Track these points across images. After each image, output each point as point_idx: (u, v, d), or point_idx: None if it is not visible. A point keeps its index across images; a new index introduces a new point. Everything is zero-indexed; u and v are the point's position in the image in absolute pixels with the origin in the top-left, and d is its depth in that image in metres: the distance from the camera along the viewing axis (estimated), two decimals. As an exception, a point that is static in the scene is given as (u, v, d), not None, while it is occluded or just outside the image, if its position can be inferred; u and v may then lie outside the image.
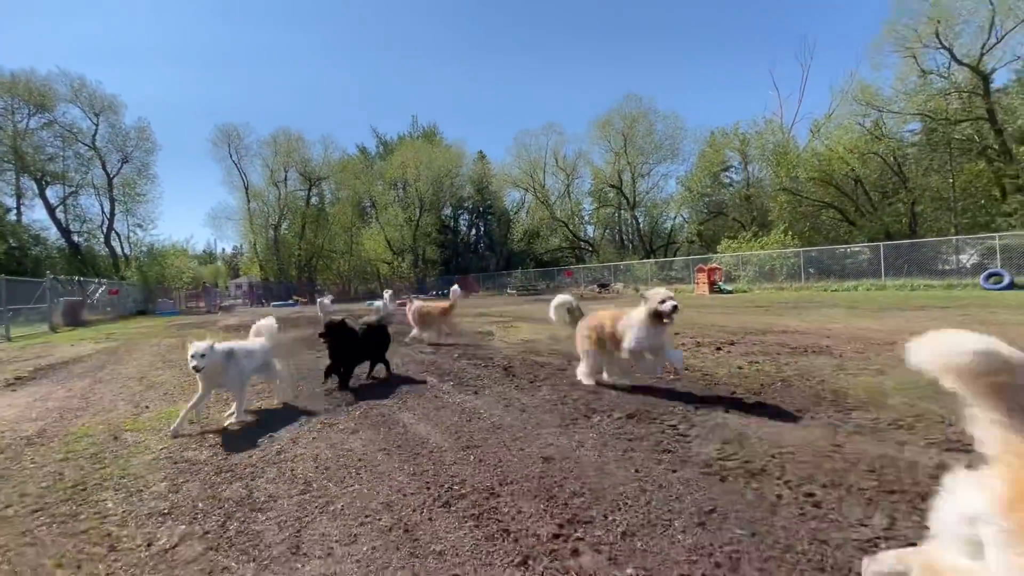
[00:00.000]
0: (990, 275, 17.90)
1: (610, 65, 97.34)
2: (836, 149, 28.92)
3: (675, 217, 44.87)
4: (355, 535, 2.07)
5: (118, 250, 43.35)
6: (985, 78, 24.73)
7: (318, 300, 13.34)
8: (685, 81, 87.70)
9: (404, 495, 2.44)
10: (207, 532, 2.18)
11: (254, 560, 1.93)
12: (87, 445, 3.56)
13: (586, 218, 54.71)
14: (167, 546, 2.08)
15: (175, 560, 1.96)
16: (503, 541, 1.95)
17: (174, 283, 41.89)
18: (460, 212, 64.13)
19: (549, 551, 1.86)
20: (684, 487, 2.34)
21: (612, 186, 44.91)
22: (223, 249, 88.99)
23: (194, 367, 3.48)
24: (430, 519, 2.18)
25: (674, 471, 2.53)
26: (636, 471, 2.55)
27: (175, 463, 3.09)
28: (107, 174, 41.31)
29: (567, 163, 50.04)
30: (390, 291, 14.26)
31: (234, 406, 3.95)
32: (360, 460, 2.99)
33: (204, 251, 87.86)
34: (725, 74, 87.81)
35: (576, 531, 2.00)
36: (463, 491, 2.44)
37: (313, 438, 3.49)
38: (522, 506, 2.24)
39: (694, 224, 40.98)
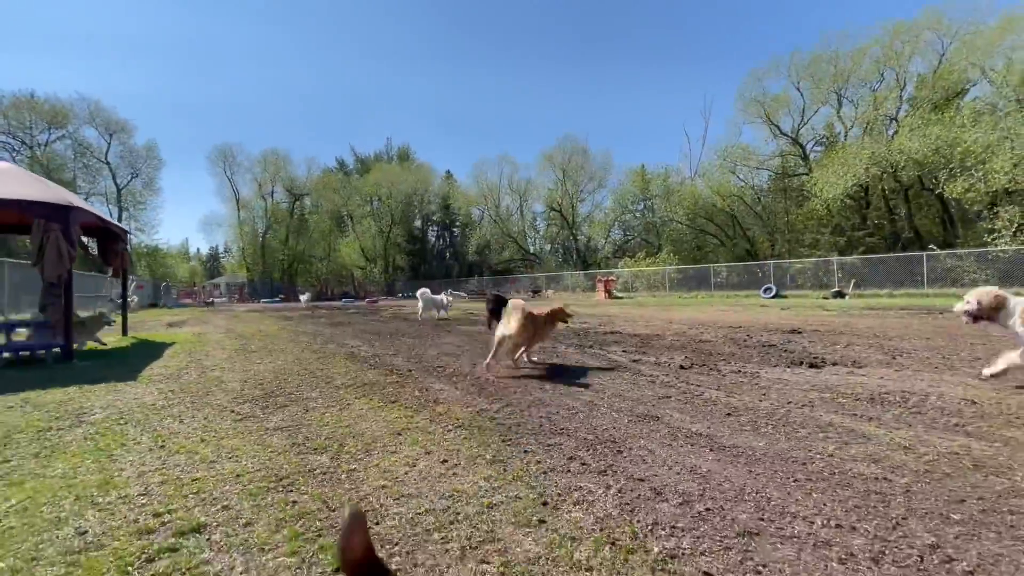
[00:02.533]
0: (766, 288, 27.22)
1: (569, 100, 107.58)
2: (707, 190, 38.52)
3: (607, 237, 54.08)
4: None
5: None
6: (802, 146, 34.64)
7: (419, 292, 15.48)
8: (627, 122, 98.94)
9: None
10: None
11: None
12: (272, 334, 11.71)
13: (541, 233, 63.65)
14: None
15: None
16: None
17: (172, 281, 48.62)
18: (428, 224, 72.33)
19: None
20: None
21: (554, 209, 53.91)
22: (198, 249, 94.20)
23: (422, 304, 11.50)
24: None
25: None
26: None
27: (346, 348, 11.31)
28: (117, 186, 47.89)
29: (519, 186, 58.98)
30: (450, 289, 19.00)
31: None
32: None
33: (179, 250, 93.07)
34: (659, 119, 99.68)
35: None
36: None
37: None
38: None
39: (610, 244, 50.28)
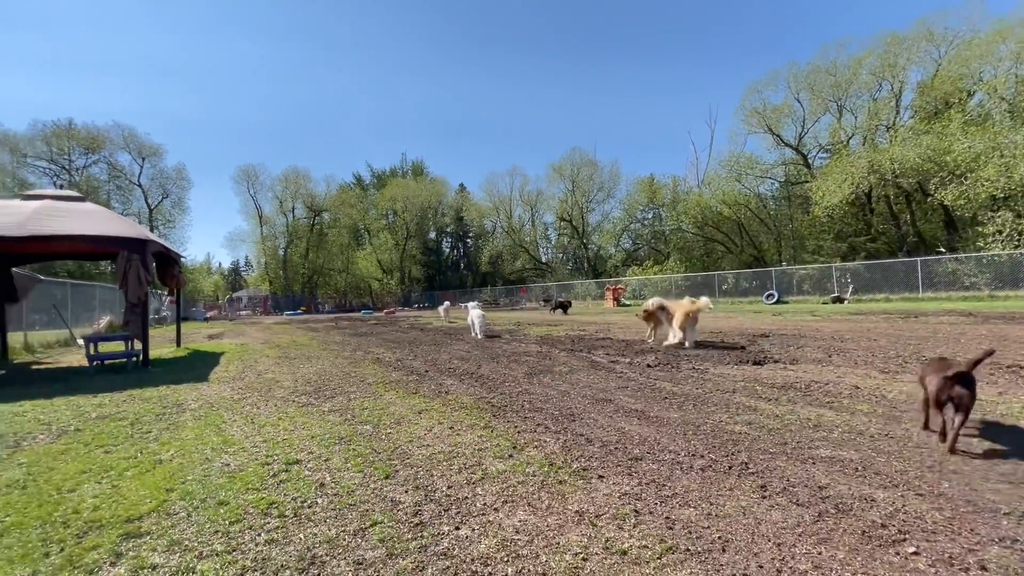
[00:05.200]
0: (768, 294, 28.00)
1: (578, 112, 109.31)
2: (712, 200, 39.44)
3: (616, 246, 55.07)
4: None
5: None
6: (804, 155, 35.41)
7: (441, 305, 20.81)
8: (635, 132, 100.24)
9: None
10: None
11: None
12: (305, 344, 13.10)
13: (552, 243, 65.02)
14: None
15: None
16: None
17: (200, 296, 50.95)
18: (443, 236, 74.25)
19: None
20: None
21: (564, 219, 55.18)
22: (219, 263, 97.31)
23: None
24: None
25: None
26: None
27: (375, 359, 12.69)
28: (148, 206, 50.53)
29: (530, 198, 60.47)
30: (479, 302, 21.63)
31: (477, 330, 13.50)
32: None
33: (202, 265, 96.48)
34: (667, 128, 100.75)
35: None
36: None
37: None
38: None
39: (620, 252, 51.28)
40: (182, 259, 12.79)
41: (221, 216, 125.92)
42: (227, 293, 58.16)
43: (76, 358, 10.12)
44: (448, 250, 76.45)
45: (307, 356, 9.47)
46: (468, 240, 73.74)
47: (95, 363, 8.13)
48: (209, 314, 46.10)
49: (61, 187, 48.91)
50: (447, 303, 25.26)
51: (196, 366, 8.47)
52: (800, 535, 2.11)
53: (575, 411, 4.38)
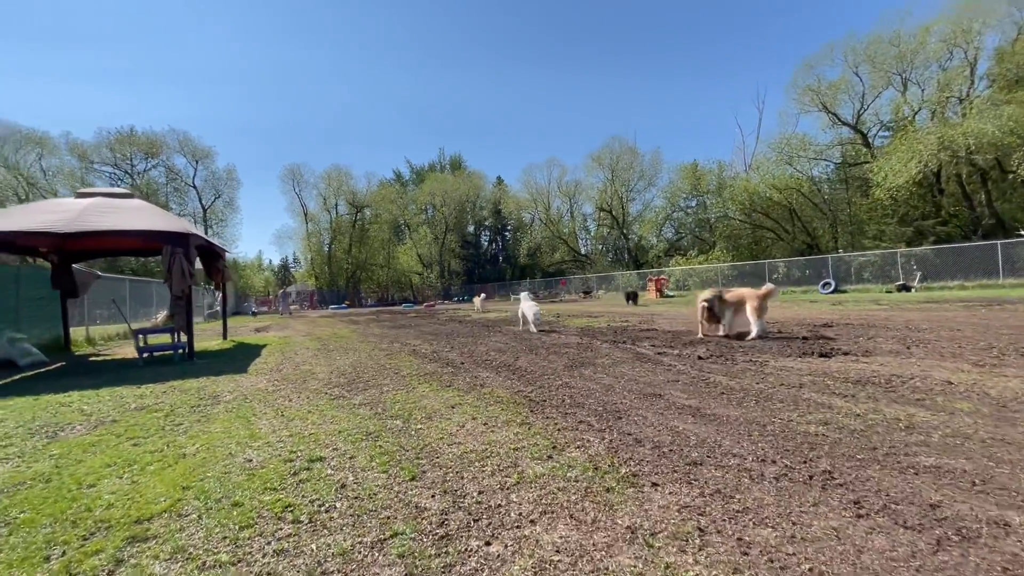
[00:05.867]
0: (824, 283, 26.33)
1: (617, 101, 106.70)
2: (761, 184, 37.44)
3: (658, 236, 53.44)
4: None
5: (208, 265, 55.02)
6: (863, 134, 33.00)
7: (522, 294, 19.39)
8: (677, 119, 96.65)
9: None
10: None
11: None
12: (345, 336, 13.19)
13: (592, 234, 63.90)
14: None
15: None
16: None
17: (251, 291, 53.15)
18: (481, 230, 74.34)
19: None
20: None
21: (603, 210, 54.01)
22: (270, 260, 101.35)
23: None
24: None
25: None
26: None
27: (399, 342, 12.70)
28: (203, 206, 53.08)
29: (568, 188, 59.56)
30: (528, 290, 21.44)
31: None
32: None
33: (254, 262, 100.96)
34: (710, 114, 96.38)
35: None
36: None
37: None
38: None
39: (662, 242, 49.65)
40: (228, 254, 13.11)
41: (272, 215, 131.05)
42: (278, 289, 60.08)
43: (131, 351, 10.52)
44: (487, 243, 76.51)
45: (345, 348, 9.45)
46: (506, 233, 73.52)
47: (144, 355, 8.34)
48: (261, 308, 47.98)
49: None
50: (483, 295, 26.25)
51: (238, 358, 8.57)
52: (919, 571, 1.66)
53: (621, 407, 3.99)
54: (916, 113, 30.84)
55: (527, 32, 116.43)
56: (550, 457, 2.92)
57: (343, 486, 2.62)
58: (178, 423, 4.17)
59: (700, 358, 6.09)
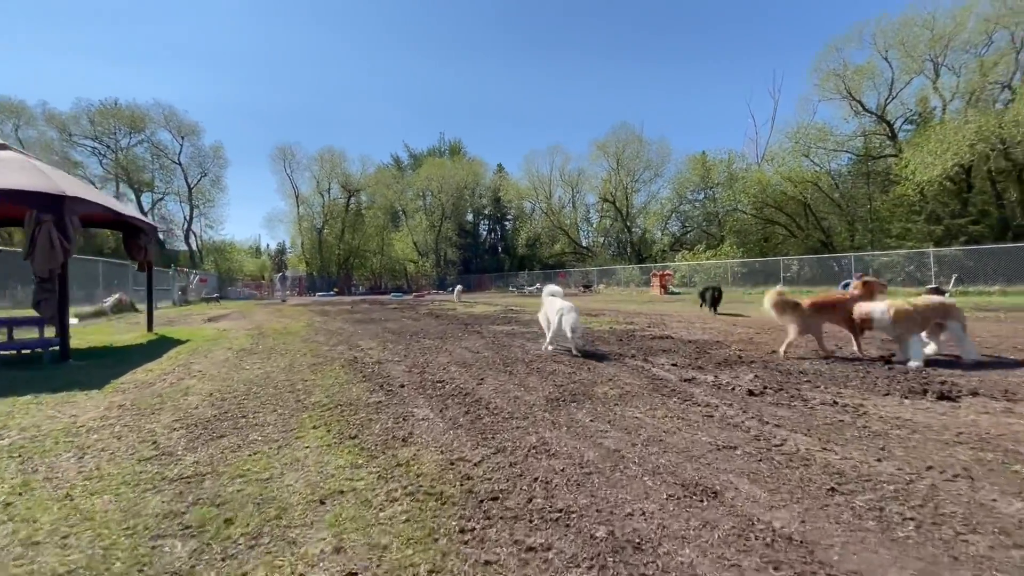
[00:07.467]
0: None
1: (623, 87, 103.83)
2: (775, 177, 35.22)
3: (663, 229, 51.26)
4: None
5: (194, 246, 52.96)
6: (890, 124, 30.74)
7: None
8: (686, 107, 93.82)
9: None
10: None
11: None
12: (294, 331, 11.20)
13: (594, 225, 61.59)
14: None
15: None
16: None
17: (238, 275, 51.11)
18: (480, 218, 71.88)
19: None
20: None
21: (607, 200, 51.76)
22: (267, 245, 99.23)
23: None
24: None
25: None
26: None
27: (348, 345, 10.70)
28: (188, 185, 50.87)
29: (571, 177, 57.24)
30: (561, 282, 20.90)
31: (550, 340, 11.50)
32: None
33: (250, 247, 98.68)
34: (722, 103, 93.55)
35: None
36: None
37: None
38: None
39: (667, 236, 47.52)
40: (157, 231, 11.08)
41: (263, 198, 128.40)
42: (274, 273, 57.77)
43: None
44: (485, 233, 74.12)
45: (276, 350, 7.47)
46: (506, 223, 71.07)
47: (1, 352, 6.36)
48: (252, 293, 45.70)
49: (107, 168, 49.95)
50: (459, 287, 26.64)
51: (129, 359, 6.57)
52: None
53: (643, 529, 1.97)
54: (949, 102, 28.55)
55: (533, 14, 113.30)
56: None
57: None
58: None
59: (751, 393, 4.08)
